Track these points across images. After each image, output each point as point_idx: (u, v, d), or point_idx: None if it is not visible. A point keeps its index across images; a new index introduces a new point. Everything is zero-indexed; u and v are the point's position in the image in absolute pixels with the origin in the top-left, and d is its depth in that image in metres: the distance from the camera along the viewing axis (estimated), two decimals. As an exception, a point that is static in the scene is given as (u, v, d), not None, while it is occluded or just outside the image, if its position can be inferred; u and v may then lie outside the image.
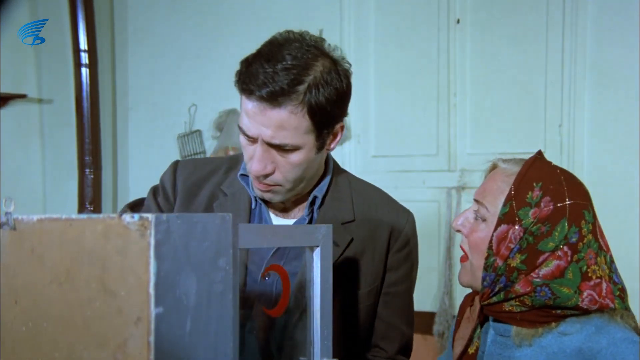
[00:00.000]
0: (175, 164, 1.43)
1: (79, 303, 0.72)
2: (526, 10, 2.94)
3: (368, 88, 3.26)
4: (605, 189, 2.76)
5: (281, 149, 1.22)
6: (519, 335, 1.14)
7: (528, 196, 1.12)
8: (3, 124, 3.37)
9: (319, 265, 1.00)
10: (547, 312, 1.12)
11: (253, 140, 1.23)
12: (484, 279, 1.15)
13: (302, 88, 1.18)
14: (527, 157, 1.21)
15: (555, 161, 1.26)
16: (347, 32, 3.28)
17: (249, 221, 1.34)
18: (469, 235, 1.19)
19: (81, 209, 3.46)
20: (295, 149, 1.22)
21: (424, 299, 3.11)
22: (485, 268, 1.14)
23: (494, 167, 1.23)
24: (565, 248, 1.09)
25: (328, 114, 1.23)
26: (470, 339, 1.19)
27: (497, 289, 1.14)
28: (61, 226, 0.74)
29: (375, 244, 1.37)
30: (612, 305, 1.10)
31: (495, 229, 1.13)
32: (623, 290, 1.14)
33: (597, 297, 1.10)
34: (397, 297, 1.41)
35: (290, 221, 1.36)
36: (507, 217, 1.12)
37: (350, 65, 1.29)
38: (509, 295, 1.13)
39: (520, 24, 2.94)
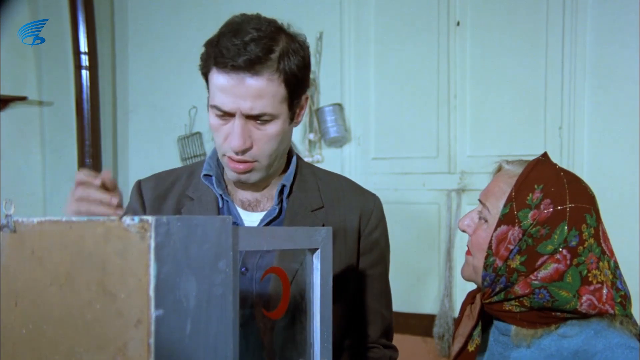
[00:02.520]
0: (138, 184, 1.44)
1: (79, 305, 0.72)
2: (526, 12, 2.94)
3: (368, 90, 3.26)
4: (605, 191, 2.76)
5: (259, 120, 1.24)
6: (518, 335, 1.15)
7: (528, 198, 1.12)
8: (3, 126, 3.38)
9: (318, 267, 1.00)
10: (546, 314, 1.12)
11: (229, 116, 1.24)
12: (484, 279, 1.16)
13: (274, 56, 1.21)
14: (528, 158, 1.22)
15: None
16: (347, 33, 3.28)
17: None
18: (472, 234, 1.20)
19: (81, 211, 3.46)
20: (271, 118, 1.25)
21: (424, 301, 3.11)
22: (485, 267, 1.15)
23: (499, 168, 1.24)
24: (565, 251, 1.09)
25: (299, 82, 1.27)
26: (469, 336, 1.19)
27: (497, 289, 1.15)
28: (61, 228, 0.74)
29: (346, 229, 1.38)
30: (611, 311, 1.09)
31: (495, 229, 1.13)
32: (626, 297, 1.13)
33: (596, 302, 1.09)
34: (373, 280, 1.42)
35: (259, 214, 1.36)
36: (507, 218, 1.12)
37: (305, 37, 1.33)
38: (509, 295, 1.14)
39: (520, 26, 2.95)
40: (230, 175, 1.33)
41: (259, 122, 1.25)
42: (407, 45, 3.17)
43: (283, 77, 1.23)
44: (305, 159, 3.21)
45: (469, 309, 1.21)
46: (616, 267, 1.16)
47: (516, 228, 1.11)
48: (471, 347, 1.19)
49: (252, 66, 1.20)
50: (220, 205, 1.36)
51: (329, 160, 3.29)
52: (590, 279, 1.10)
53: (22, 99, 3.52)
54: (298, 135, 3.34)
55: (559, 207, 1.10)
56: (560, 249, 1.09)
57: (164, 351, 0.68)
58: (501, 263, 1.13)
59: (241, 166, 1.28)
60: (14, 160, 3.51)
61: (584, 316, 1.11)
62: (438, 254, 3.10)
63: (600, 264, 1.11)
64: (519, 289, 1.12)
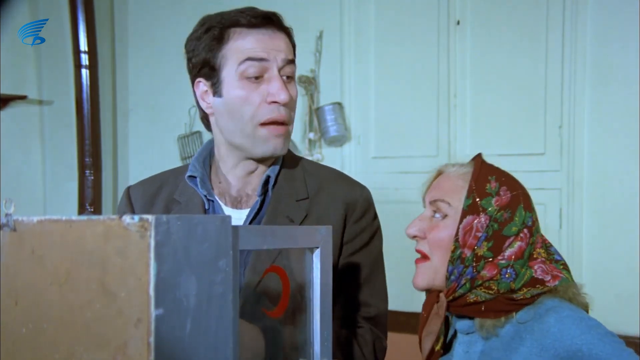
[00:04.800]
0: (127, 190, 1.45)
1: (79, 304, 0.72)
2: (526, 11, 2.94)
3: (368, 89, 3.26)
4: (605, 190, 2.76)
5: (288, 77, 1.31)
6: (483, 327, 1.19)
7: (487, 187, 1.20)
8: (3, 125, 3.38)
9: (318, 266, 1.00)
10: (510, 299, 1.17)
11: (260, 76, 1.27)
12: (451, 273, 1.19)
13: (280, 19, 1.32)
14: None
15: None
16: (347, 33, 3.28)
17: None
18: (429, 235, 1.23)
19: (81, 210, 3.47)
20: (293, 77, 1.34)
21: (421, 300, 3.11)
22: (452, 261, 1.19)
23: (439, 173, 1.31)
24: (525, 231, 1.19)
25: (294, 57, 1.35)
26: (440, 333, 1.21)
27: (463, 280, 1.18)
28: (61, 227, 0.74)
29: (331, 218, 1.37)
30: (561, 275, 1.19)
31: (461, 221, 1.19)
32: (566, 265, 1.23)
33: (546, 269, 1.19)
34: (356, 268, 1.41)
35: (244, 211, 1.36)
36: (471, 209, 1.19)
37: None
38: (475, 282, 1.18)
39: (520, 25, 2.94)
40: (264, 149, 1.32)
41: (288, 78, 1.31)
42: (407, 45, 3.17)
43: (290, 41, 1.32)
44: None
45: (436, 307, 1.23)
46: (550, 245, 1.26)
47: (482, 216, 1.18)
48: (437, 346, 1.21)
49: (271, 22, 1.28)
50: (207, 206, 1.36)
51: (329, 159, 3.29)
52: (535, 256, 1.20)
53: (22, 98, 3.52)
54: (298, 135, 3.34)
55: (514, 193, 1.21)
56: (523, 229, 1.19)
57: (164, 350, 0.68)
58: (469, 252, 1.17)
59: (283, 129, 1.31)
60: (14, 159, 3.51)
61: (542, 294, 1.17)
62: (438, 253, 3.09)
63: (541, 243, 1.23)
64: (486, 272, 1.17)
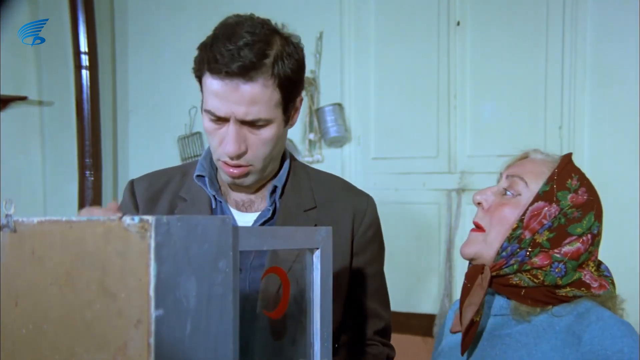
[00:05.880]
0: (131, 183, 1.43)
1: (79, 305, 0.72)
2: (526, 12, 2.94)
3: (368, 90, 3.26)
4: (605, 191, 2.74)
5: (254, 125, 1.24)
6: (517, 310, 1.20)
7: (568, 182, 1.20)
8: (3, 126, 3.38)
9: (318, 267, 1.00)
10: (551, 293, 1.18)
11: (223, 121, 1.24)
12: (504, 250, 1.19)
13: (269, 61, 1.20)
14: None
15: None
16: (347, 33, 3.28)
17: None
18: (495, 208, 1.23)
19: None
20: (266, 123, 1.25)
21: (424, 301, 3.11)
22: (509, 239, 1.19)
23: (525, 155, 1.31)
24: (589, 236, 1.19)
25: (293, 86, 1.26)
26: (481, 305, 1.21)
27: (512, 261, 1.19)
28: (61, 228, 0.74)
29: (339, 228, 1.37)
30: (608, 287, 1.20)
31: (532, 203, 1.19)
32: (614, 282, 1.24)
33: (595, 277, 1.20)
34: (368, 279, 1.42)
35: (252, 215, 1.36)
36: (546, 195, 1.19)
37: (299, 38, 1.32)
38: (524, 267, 1.18)
39: (520, 25, 2.95)
40: (225, 178, 1.33)
41: (253, 127, 1.24)
42: (407, 45, 3.17)
43: (277, 81, 1.22)
44: (305, 159, 3.23)
45: (480, 278, 1.22)
46: (601, 262, 1.26)
47: (553, 206, 1.18)
48: (477, 317, 1.20)
49: (246, 72, 1.19)
50: (214, 206, 1.36)
51: (329, 160, 3.29)
52: (585, 265, 1.21)
53: (22, 98, 3.52)
54: (298, 135, 3.34)
55: (591, 197, 1.22)
56: (587, 234, 1.19)
57: (164, 351, 0.68)
58: (529, 236, 1.18)
59: (236, 171, 1.28)
60: (14, 160, 3.51)
61: (583, 295, 1.18)
62: (438, 254, 3.09)
63: (595, 257, 1.24)
64: (538, 260, 1.17)
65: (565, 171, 1.22)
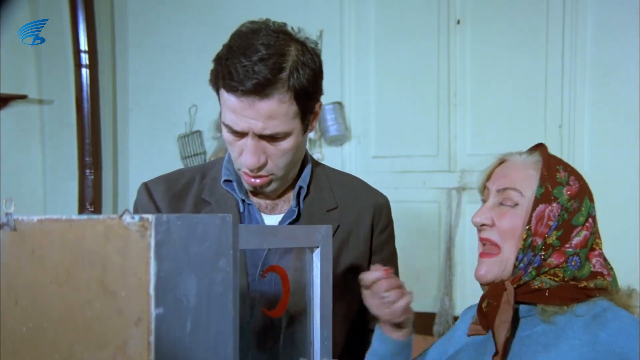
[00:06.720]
0: (145, 186, 1.40)
1: (79, 304, 0.72)
2: (526, 10, 2.94)
3: (368, 88, 3.26)
4: (605, 189, 2.74)
5: (272, 138, 1.23)
6: (546, 311, 1.18)
7: (558, 177, 1.20)
8: (3, 124, 3.38)
9: (318, 266, 1.00)
10: (574, 287, 1.17)
11: (241, 135, 1.23)
12: (520, 261, 1.18)
13: (284, 75, 1.19)
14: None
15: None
16: (347, 32, 3.28)
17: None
18: (499, 223, 1.21)
19: (81, 209, 3.46)
20: (286, 136, 1.24)
21: (424, 299, 3.11)
22: (523, 249, 1.18)
23: (502, 161, 1.28)
24: (590, 220, 1.21)
25: (310, 95, 1.25)
26: (512, 322, 1.20)
27: (530, 269, 1.18)
28: (61, 227, 0.74)
29: (360, 227, 1.40)
30: (612, 274, 1.21)
31: (534, 209, 1.18)
32: (611, 266, 1.24)
33: (603, 262, 1.21)
34: None
35: (278, 217, 1.36)
36: (544, 197, 1.18)
37: (316, 43, 1.30)
38: (542, 269, 1.18)
39: (520, 24, 2.94)
40: (246, 186, 1.33)
41: (272, 140, 1.24)
42: (407, 44, 3.16)
43: (294, 94, 1.21)
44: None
45: (505, 295, 1.20)
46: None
47: (554, 205, 1.18)
48: (508, 334, 1.19)
49: (261, 89, 1.18)
50: (242, 209, 1.35)
51: (329, 158, 3.28)
52: (594, 246, 1.21)
53: (22, 97, 3.51)
54: (298, 134, 3.33)
55: (581, 183, 1.22)
56: (589, 219, 1.20)
57: (164, 349, 0.68)
58: (540, 241, 1.17)
59: (258, 181, 1.28)
60: (14, 158, 3.51)
61: (599, 293, 1.18)
62: (438, 253, 3.09)
63: (598, 233, 1.24)
64: (553, 259, 1.17)
65: (551, 166, 1.21)
